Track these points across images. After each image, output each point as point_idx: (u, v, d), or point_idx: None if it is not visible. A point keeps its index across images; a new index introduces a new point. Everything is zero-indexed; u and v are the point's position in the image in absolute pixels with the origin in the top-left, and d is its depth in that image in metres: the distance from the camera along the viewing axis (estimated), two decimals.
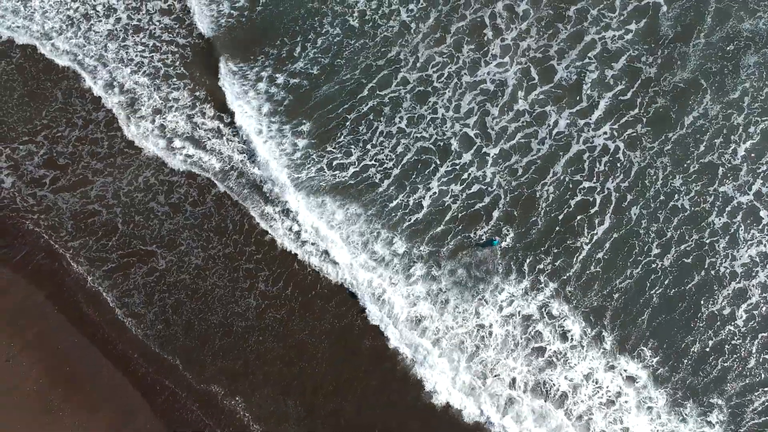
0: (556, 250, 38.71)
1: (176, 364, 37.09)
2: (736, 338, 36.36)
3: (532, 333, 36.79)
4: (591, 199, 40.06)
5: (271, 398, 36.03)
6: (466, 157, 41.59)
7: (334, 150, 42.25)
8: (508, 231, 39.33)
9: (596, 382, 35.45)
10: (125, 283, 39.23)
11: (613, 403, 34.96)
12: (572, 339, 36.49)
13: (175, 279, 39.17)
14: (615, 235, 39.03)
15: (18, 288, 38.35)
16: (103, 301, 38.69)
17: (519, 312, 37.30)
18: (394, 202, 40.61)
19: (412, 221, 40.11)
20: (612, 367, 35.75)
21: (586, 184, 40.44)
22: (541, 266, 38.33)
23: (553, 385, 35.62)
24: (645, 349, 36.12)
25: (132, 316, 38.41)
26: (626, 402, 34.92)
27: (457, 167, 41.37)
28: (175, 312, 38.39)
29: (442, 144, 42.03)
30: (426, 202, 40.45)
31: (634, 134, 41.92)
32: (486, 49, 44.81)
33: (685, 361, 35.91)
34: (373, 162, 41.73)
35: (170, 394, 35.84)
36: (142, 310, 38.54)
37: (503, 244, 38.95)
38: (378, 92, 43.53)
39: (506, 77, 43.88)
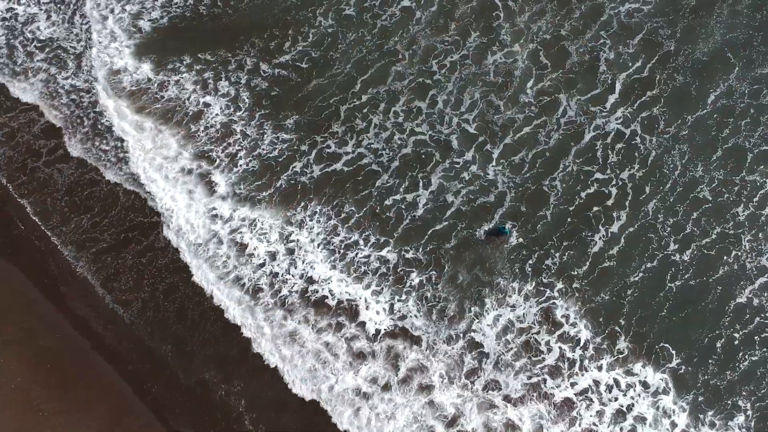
0: (566, 243, 36.32)
1: (168, 355, 35.24)
2: (765, 331, 34.14)
3: (538, 339, 34.63)
4: (606, 191, 37.43)
5: (268, 385, 34.63)
6: (469, 153, 39.02)
7: (323, 144, 39.35)
8: (512, 228, 37.20)
9: (609, 390, 33.49)
10: (114, 264, 37.18)
11: (627, 411, 33.24)
12: (583, 343, 34.44)
13: (170, 260, 37.22)
14: (630, 229, 36.52)
15: (3, 278, 36.65)
16: (93, 291, 36.67)
17: (524, 315, 35.05)
18: (390, 200, 37.90)
19: (407, 222, 37.49)
20: (628, 372, 33.68)
21: (599, 176, 37.79)
22: (550, 264, 36.00)
23: (561, 396, 33.68)
24: (664, 348, 33.94)
25: (121, 303, 36.26)
26: (641, 409, 33.09)
27: (459, 164, 38.72)
28: (167, 297, 36.43)
29: (442, 140, 39.42)
30: (423, 201, 37.80)
31: (651, 117, 38.96)
32: (495, 34, 41.62)
33: (706, 361, 33.65)
34: (367, 153, 39.15)
35: (164, 389, 34.25)
36: (131, 297, 36.33)
37: (514, 233, 36.64)
38: (373, 87, 40.76)
39: (515, 61, 40.94)
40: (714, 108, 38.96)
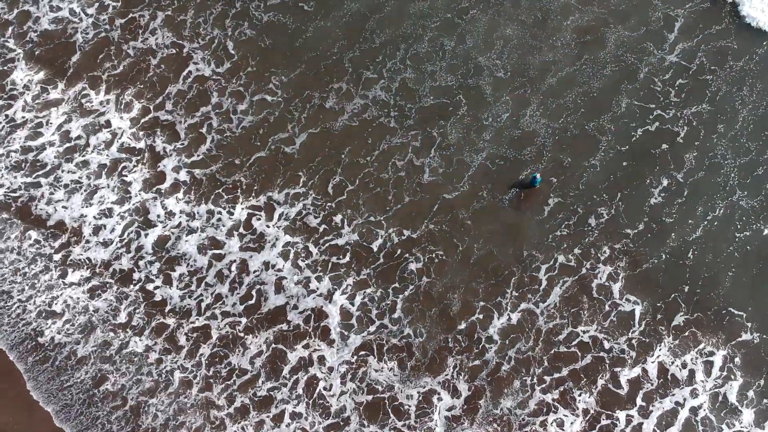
0: (621, 194, 31.10)
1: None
2: None
3: (568, 333, 28.70)
4: (673, 129, 32.23)
5: None
6: (503, 98, 33.99)
7: (319, 101, 34.10)
8: (551, 193, 32.10)
9: (662, 389, 27.80)
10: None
11: (679, 408, 27.75)
12: (635, 321, 28.90)
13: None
14: (700, 174, 31.24)
15: None
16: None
17: (552, 304, 29.32)
18: (390, 170, 32.24)
19: (411, 192, 31.76)
20: (684, 365, 28.10)
21: (657, 113, 32.63)
22: (594, 225, 30.63)
23: (588, 408, 28.15)
24: (734, 315, 28.61)
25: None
26: (700, 402, 27.74)
27: (488, 117, 33.51)
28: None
29: (473, 89, 34.20)
30: (437, 163, 32.35)
31: (717, 49, 33.72)
32: None
33: None
34: (373, 106, 33.80)
35: None
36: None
37: (550, 192, 31.40)
38: (387, 30, 35.79)
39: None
40: None
